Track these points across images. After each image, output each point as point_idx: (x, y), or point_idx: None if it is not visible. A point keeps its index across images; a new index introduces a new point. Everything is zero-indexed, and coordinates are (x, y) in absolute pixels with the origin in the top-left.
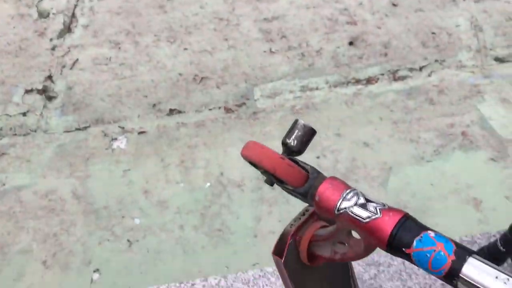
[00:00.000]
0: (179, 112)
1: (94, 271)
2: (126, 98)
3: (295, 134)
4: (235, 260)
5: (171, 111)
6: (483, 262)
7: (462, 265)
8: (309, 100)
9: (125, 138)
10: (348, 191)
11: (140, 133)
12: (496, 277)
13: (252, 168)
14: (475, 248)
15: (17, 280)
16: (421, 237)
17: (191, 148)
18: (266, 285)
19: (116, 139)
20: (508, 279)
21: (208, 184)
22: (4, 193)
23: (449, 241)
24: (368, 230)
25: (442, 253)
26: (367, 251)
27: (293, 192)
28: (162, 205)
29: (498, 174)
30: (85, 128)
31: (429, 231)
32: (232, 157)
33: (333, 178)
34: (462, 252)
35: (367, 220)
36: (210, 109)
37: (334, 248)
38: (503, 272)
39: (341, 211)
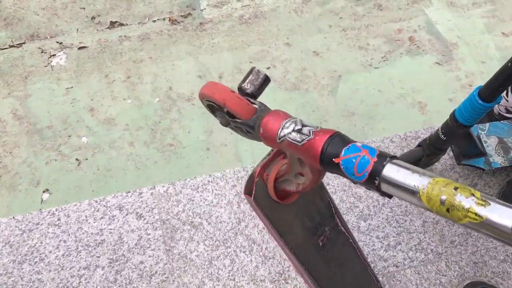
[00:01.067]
0: (121, 24)
1: (44, 192)
2: (62, 10)
3: (249, 78)
4: (188, 173)
5: (112, 24)
6: (402, 165)
7: (383, 166)
8: (257, 8)
9: (64, 54)
10: (287, 120)
11: (80, 48)
12: (412, 173)
13: (201, 82)
14: (418, 141)
15: None
16: (349, 146)
17: (137, 63)
18: (215, 189)
19: (54, 55)
20: (424, 173)
21: (157, 99)
22: None
23: (374, 149)
24: (305, 151)
25: (366, 157)
26: (315, 174)
27: (244, 125)
28: (110, 122)
29: (443, 78)
30: (20, 44)
31: (357, 142)
32: (180, 71)
33: (276, 111)
34: (384, 156)
35: (303, 142)
36: (154, 21)
37: (297, 181)
38: (418, 171)
39: (282, 138)
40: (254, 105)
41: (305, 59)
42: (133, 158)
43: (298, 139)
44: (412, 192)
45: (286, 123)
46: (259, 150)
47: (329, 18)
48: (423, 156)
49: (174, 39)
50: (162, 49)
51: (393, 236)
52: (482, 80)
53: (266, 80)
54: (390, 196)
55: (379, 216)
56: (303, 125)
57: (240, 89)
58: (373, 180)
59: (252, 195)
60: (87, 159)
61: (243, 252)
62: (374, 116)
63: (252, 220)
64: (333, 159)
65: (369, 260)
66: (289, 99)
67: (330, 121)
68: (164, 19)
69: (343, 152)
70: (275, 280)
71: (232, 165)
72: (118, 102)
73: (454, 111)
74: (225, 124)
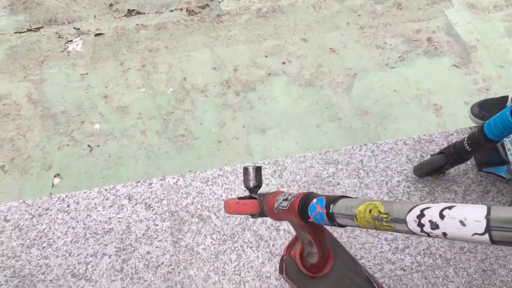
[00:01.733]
0: (138, 13)
1: (55, 176)
2: None
3: (245, 178)
4: (199, 165)
5: (130, 12)
6: (341, 205)
7: (332, 213)
8: (275, 2)
9: (81, 40)
10: (279, 195)
11: (97, 35)
12: (346, 209)
13: (215, 73)
14: (433, 146)
15: None
16: (310, 206)
17: (152, 52)
18: (225, 183)
19: (71, 41)
20: (352, 206)
21: (171, 89)
22: None
23: (323, 200)
24: (290, 213)
25: (320, 211)
26: (314, 234)
27: (259, 217)
28: (123, 110)
29: (460, 80)
30: (38, 29)
31: (314, 199)
32: (196, 62)
33: (273, 193)
34: (329, 203)
35: (287, 206)
36: (171, 11)
37: (313, 250)
38: (349, 204)
39: (277, 209)
40: (256, 199)
41: (321, 56)
42: (144, 147)
43: (285, 205)
44: (353, 221)
45: (279, 197)
46: (270, 146)
47: (347, 15)
48: (446, 163)
49: (190, 29)
50: (178, 39)
51: (402, 240)
52: (500, 84)
53: (257, 170)
54: (345, 226)
55: None
56: (289, 195)
57: (247, 187)
58: (333, 223)
59: (283, 271)
60: (99, 146)
61: (250, 248)
62: (388, 116)
63: None
64: (308, 219)
65: (376, 262)
66: (303, 95)
67: (343, 119)
68: (181, 9)
69: (309, 212)
70: (281, 278)
71: (243, 159)
72: (132, 90)
73: (483, 125)
74: (254, 218)
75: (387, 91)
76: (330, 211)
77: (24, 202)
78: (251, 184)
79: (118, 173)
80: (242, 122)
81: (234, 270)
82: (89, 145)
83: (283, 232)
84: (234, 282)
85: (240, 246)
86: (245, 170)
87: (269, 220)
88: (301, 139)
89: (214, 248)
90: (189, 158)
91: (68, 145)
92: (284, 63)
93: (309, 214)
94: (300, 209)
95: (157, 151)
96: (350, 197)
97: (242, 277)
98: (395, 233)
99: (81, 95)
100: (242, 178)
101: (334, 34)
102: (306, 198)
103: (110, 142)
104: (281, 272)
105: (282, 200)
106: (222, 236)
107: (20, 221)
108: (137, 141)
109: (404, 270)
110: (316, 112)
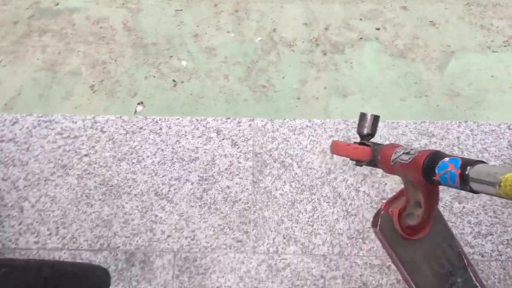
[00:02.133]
0: None
1: (138, 103)
2: None
3: (361, 123)
4: (275, 118)
5: None
6: (481, 169)
7: (468, 175)
8: None
9: None
10: (398, 148)
11: None
12: (488, 174)
13: (306, 29)
14: None
15: (65, 98)
16: (439, 164)
17: None
18: (312, 135)
19: None
20: (496, 173)
21: (259, 38)
22: (57, 13)
23: (458, 160)
24: (411, 167)
25: (453, 171)
26: (428, 195)
27: (368, 165)
28: (211, 51)
29: None
30: None
31: (445, 158)
32: (288, 14)
33: (391, 144)
34: (465, 165)
35: (409, 160)
36: None
37: (416, 212)
38: (492, 172)
39: (394, 161)
40: (369, 147)
41: (419, 27)
42: (225, 91)
43: (406, 159)
44: (493, 188)
45: (398, 150)
46: (349, 111)
47: None
48: None
49: None
50: None
51: (486, 225)
52: None
53: (375, 119)
54: (477, 192)
55: (476, 202)
56: (411, 149)
57: (359, 134)
58: (465, 186)
59: (378, 226)
60: (183, 82)
61: (327, 203)
62: (480, 102)
63: (342, 174)
64: (432, 177)
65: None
66: (392, 66)
67: (431, 97)
68: None
69: (436, 170)
70: (353, 237)
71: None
72: (222, 33)
73: None
74: (359, 165)
75: (484, 76)
76: (466, 173)
77: (120, 117)
78: (365, 131)
79: (197, 112)
80: (324, 82)
81: (308, 221)
82: (173, 80)
83: (362, 194)
84: (305, 232)
85: (317, 199)
86: (362, 115)
87: (350, 179)
88: (382, 110)
89: (291, 195)
90: (267, 109)
91: (154, 76)
92: (378, 29)
93: (436, 172)
94: (426, 165)
95: (236, 97)
96: (488, 164)
97: (315, 228)
98: (480, 217)
99: (173, 30)
100: (330, 133)
101: (437, 6)
102: (435, 156)
103: (194, 80)
104: (374, 226)
105: (403, 154)
106: (301, 185)
107: (115, 134)
108: (219, 84)
109: (482, 256)
110: (403, 85)
